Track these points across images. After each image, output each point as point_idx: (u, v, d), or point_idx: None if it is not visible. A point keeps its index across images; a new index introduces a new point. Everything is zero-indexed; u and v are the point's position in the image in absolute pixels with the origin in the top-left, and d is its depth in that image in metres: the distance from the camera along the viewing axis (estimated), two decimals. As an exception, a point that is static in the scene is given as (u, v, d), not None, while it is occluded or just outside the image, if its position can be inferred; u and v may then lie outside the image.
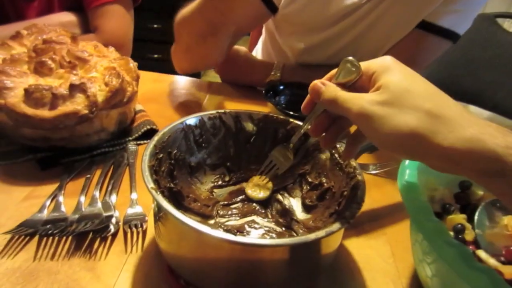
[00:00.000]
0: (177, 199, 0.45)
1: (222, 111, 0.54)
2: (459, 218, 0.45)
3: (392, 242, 0.52)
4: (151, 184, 0.36)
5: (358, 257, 0.49)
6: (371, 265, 0.48)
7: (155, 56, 2.45)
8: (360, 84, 0.38)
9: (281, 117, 0.56)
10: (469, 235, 0.43)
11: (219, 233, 0.32)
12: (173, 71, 0.92)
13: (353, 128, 0.41)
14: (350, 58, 0.38)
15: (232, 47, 0.89)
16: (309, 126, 0.45)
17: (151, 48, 2.42)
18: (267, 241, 0.33)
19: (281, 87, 0.87)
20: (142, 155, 0.40)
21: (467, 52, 1.48)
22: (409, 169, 0.48)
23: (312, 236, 0.35)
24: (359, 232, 0.53)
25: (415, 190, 0.42)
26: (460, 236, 0.42)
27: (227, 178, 0.55)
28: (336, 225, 0.36)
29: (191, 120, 0.51)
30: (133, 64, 0.66)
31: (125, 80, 0.60)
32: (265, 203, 0.53)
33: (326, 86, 0.39)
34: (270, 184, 0.54)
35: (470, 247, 0.41)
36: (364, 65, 0.38)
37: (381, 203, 0.60)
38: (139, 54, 1.07)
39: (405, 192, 0.42)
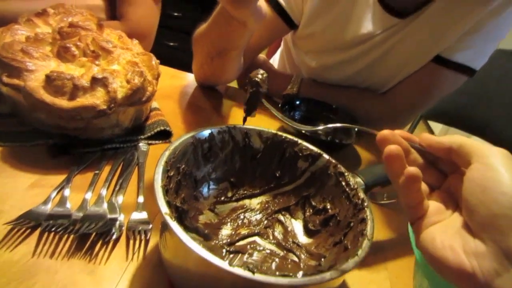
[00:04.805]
0: (182, 217, 0.44)
1: (232, 125, 0.53)
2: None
3: (392, 278, 0.52)
4: (165, 209, 0.35)
5: (359, 291, 0.48)
6: (371, 301, 0.47)
7: (171, 43, 2.43)
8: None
9: (290, 137, 0.56)
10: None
11: (231, 269, 0.32)
12: (187, 61, 0.91)
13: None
14: None
15: (251, 61, 0.89)
16: None
17: (168, 35, 2.40)
18: (278, 279, 0.33)
19: (298, 102, 0.86)
20: (154, 172, 0.39)
21: (482, 84, 1.49)
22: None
23: (327, 276, 0.34)
24: (361, 265, 0.53)
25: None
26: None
27: (229, 194, 0.55)
28: (350, 264, 0.37)
29: (202, 133, 0.50)
30: (155, 62, 0.65)
31: (147, 79, 0.59)
32: (267, 224, 0.53)
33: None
34: None
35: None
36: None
37: (384, 235, 0.60)
38: (156, 39, 1.06)
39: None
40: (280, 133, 0.56)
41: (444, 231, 0.30)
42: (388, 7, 0.78)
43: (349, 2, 0.80)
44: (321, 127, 0.51)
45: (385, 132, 0.35)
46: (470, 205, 0.29)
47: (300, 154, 0.56)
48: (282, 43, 1.07)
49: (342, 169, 0.53)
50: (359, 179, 0.57)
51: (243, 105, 0.53)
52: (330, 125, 0.51)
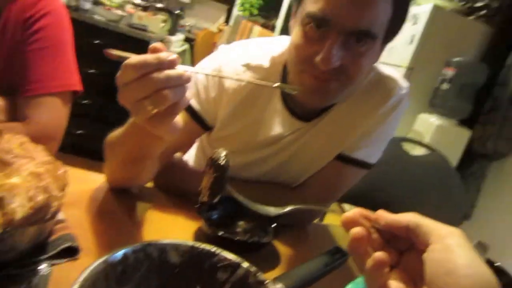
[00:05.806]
0: None
1: (147, 242, 0.51)
2: None
3: None
4: None
5: None
6: None
7: (78, 132, 2.34)
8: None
9: (208, 247, 0.55)
10: None
11: None
12: (95, 148, 0.86)
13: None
14: None
15: (166, 161, 0.89)
16: None
17: (75, 123, 2.31)
18: None
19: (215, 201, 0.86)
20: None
21: (379, 168, 1.68)
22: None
23: None
24: None
25: None
26: None
27: None
28: None
29: (114, 256, 0.47)
30: (62, 171, 0.61)
31: (52, 194, 0.54)
32: None
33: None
34: None
35: None
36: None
37: None
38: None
39: None
40: (197, 244, 0.54)
41: None
42: (294, 112, 0.87)
43: (261, 107, 0.87)
44: (287, 209, 0.51)
45: (350, 214, 0.37)
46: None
47: (219, 265, 0.54)
48: (197, 141, 1.09)
49: (262, 277, 0.52)
50: (280, 286, 0.57)
51: (202, 190, 0.49)
52: (290, 208, 0.50)
